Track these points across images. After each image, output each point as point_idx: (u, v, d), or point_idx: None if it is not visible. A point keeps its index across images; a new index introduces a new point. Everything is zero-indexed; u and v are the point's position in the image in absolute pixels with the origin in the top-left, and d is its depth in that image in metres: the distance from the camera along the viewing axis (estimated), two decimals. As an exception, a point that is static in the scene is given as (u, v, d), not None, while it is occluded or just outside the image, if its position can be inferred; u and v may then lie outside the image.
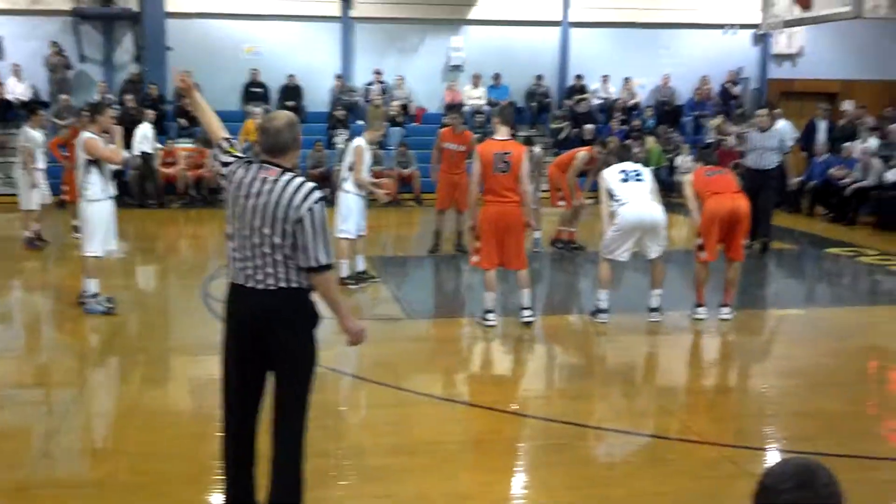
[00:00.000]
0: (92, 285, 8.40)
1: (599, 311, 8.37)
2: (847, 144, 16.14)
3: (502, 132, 8.21)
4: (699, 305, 8.58)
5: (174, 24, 19.68)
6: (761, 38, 21.96)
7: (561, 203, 12.05)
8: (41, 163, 11.98)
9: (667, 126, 20.00)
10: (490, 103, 20.07)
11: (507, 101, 20.10)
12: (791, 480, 2.04)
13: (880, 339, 8.37)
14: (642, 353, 7.97)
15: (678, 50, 21.77)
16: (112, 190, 8.48)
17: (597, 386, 6.91)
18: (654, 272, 8.43)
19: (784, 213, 16.59)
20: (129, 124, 15.74)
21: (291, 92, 19.89)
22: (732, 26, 21.74)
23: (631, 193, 8.22)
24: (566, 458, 5.33)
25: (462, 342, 8.25)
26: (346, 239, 9.66)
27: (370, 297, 9.66)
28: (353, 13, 20.64)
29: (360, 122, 19.28)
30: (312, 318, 4.04)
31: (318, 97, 20.19)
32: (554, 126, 20.31)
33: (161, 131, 18.35)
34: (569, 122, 20.10)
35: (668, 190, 19.04)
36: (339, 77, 20.22)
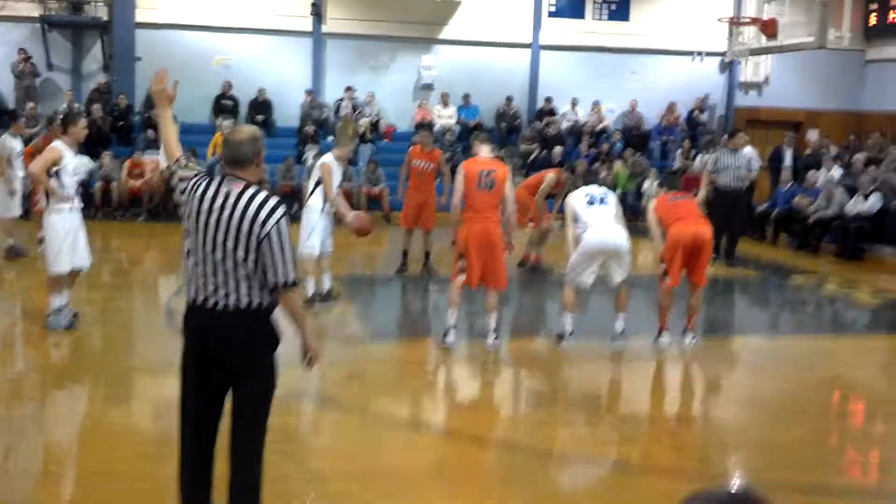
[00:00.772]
0: (54, 301, 8.26)
1: (564, 334, 8.39)
2: (811, 173, 16.36)
3: (484, 150, 8.25)
4: (663, 331, 8.63)
5: (144, 34, 19.53)
6: (728, 66, 22.26)
7: (529, 225, 12.09)
8: (20, 171, 11.77)
9: (634, 151, 20.17)
10: (460, 123, 20.16)
11: (477, 120, 20.24)
12: None
13: (843, 368, 8.46)
14: (606, 380, 8.00)
15: (646, 75, 22.01)
16: (77, 202, 8.31)
17: (561, 412, 6.91)
18: (619, 297, 8.47)
19: (749, 240, 16.78)
20: (95, 134, 15.61)
21: (261, 106, 19.82)
22: (699, 53, 22.03)
23: (596, 218, 8.25)
24: (529, 485, 5.32)
25: (428, 365, 8.21)
26: (311, 255, 9.56)
27: (336, 316, 9.60)
28: (325, 29, 20.64)
29: (331, 138, 19.24)
30: (273, 338, 3.99)
31: (288, 112, 20.11)
32: (523, 148, 20.39)
33: (128, 143, 18.21)
34: (538, 145, 20.20)
35: (636, 214, 19.21)
36: (309, 92, 20.18)
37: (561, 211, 10.59)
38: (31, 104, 17.99)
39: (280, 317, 4.01)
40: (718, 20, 20.53)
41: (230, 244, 3.83)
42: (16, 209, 11.78)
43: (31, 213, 12.48)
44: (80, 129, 8.28)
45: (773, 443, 6.27)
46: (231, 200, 3.85)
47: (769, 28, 19.71)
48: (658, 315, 8.63)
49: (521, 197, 12.07)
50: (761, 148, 17.82)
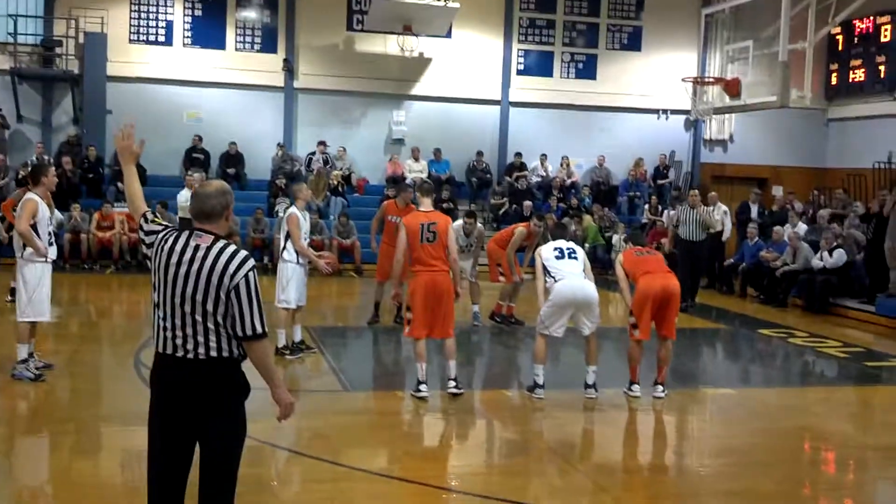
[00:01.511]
0: (22, 351, 8.15)
1: (536, 386, 8.41)
2: (777, 228, 16.64)
3: (426, 203, 8.40)
4: (633, 383, 8.67)
5: (115, 87, 19.59)
6: (693, 124, 22.71)
7: (501, 279, 12.15)
8: None
9: (602, 205, 20.42)
10: (431, 177, 20.32)
11: (447, 175, 20.43)
12: None
13: (811, 419, 8.52)
14: (578, 430, 7.99)
15: (613, 132, 22.41)
16: (52, 253, 8.27)
17: (533, 462, 6.89)
18: (589, 348, 8.52)
19: (717, 293, 17.00)
20: (65, 186, 15.55)
21: (232, 159, 19.87)
22: (665, 112, 22.48)
23: (565, 270, 8.35)
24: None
25: (400, 416, 8.16)
26: (286, 309, 9.56)
27: (308, 368, 9.54)
28: (297, 84, 20.84)
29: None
30: (242, 389, 3.98)
31: (259, 165, 20.20)
32: (494, 202, 20.58)
33: (97, 195, 18.14)
34: (508, 199, 20.40)
35: (605, 267, 19.40)
36: (280, 146, 20.27)
37: (532, 264, 10.69)
38: (0, 156, 17.90)
39: (249, 367, 3.99)
40: (683, 80, 20.99)
41: (199, 297, 3.84)
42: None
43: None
44: (52, 177, 8.32)
45: (747, 492, 6.29)
46: (200, 254, 3.87)
47: (732, 88, 20.16)
48: (629, 368, 8.68)
49: (492, 250, 12.17)
50: (727, 203, 18.18)
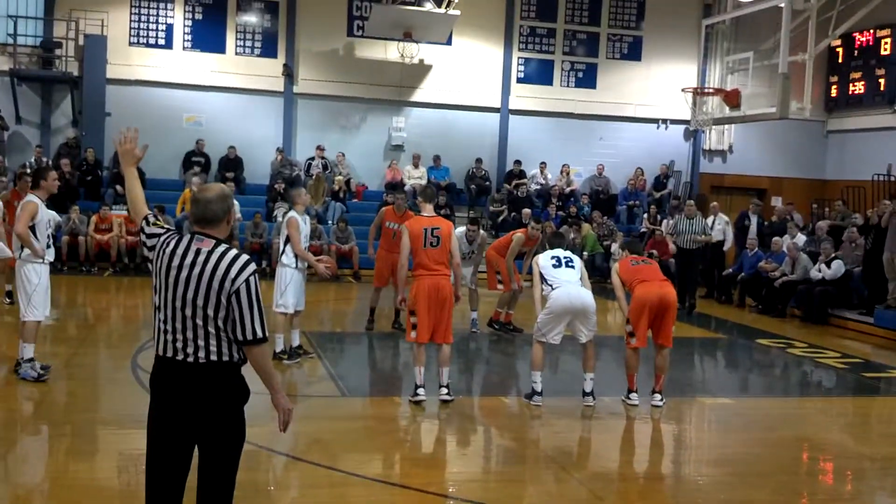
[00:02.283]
0: (28, 350, 8.18)
1: (534, 393, 8.39)
2: (776, 239, 16.65)
3: (427, 209, 8.40)
4: (631, 391, 8.66)
5: (114, 90, 19.58)
6: (692, 134, 22.74)
7: (499, 286, 12.14)
8: None
9: (602, 214, 20.43)
10: (431, 183, 20.31)
11: (447, 181, 20.43)
12: None
13: (809, 430, 8.51)
14: (576, 438, 7.97)
15: (613, 141, 22.43)
16: (50, 255, 8.30)
17: (530, 469, 6.87)
18: (586, 356, 8.51)
19: (716, 303, 16.99)
20: (63, 188, 15.52)
21: (231, 163, 19.86)
22: (664, 122, 22.51)
23: (563, 278, 8.37)
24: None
25: (397, 422, 8.13)
26: (284, 314, 9.54)
27: (306, 373, 9.51)
28: (297, 89, 20.86)
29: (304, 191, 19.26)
30: (241, 393, 3.97)
31: (258, 169, 20.18)
32: (493, 209, 20.58)
33: (96, 197, 18.12)
34: (507, 206, 20.39)
35: (604, 276, 19.38)
36: (279, 150, 20.27)
37: (531, 272, 10.68)
38: (-2, 157, 17.89)
39: (248, 371, 3.97)
40: (683, 90, 21.03)
41: (200, 301, 3.83)
42: (7, 252, 11.61)
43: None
44: (52, 181, 8.35)
45: (744, 503, 6.26)
46: (201, 258, 3.86)
47: (732, 99, 20.21)
48: (626, 376, 8.67)
49: (492, 258, 12.16)
50: (726, 213, 18.19)
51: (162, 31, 20.17)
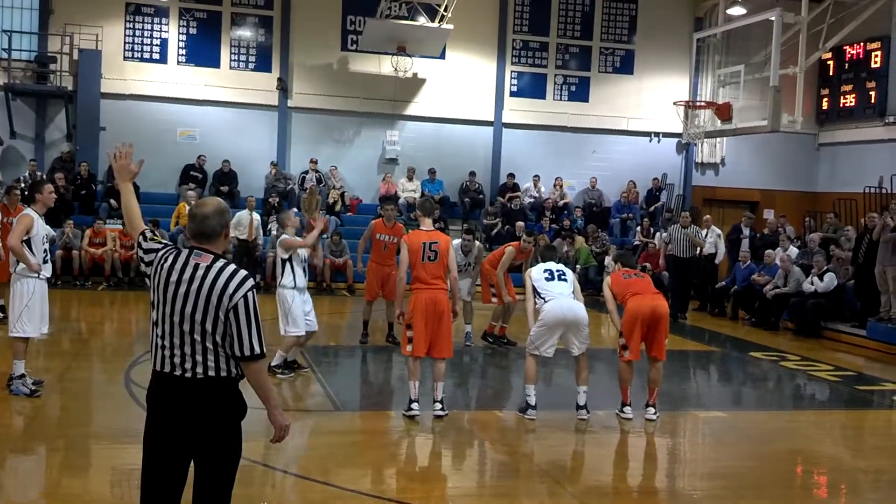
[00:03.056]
0: (18, 367, 8.14)
1: (528, 406, 8.40)
2: (769, 252, 16.71)
3: (426, 223, 8.39)
4: (625, 405, 8.68)
5: (109, 104, 19.62)
6: (685, 147, 22.83)
7: (494, 300, 12.16)
8: None
9: (595, 226, 20.48)
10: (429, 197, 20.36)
11: (441, 195, 20.47)
12: None
13: (802, 443, 8.52)
14: (570, 452, 7.97)
15: (606, 154, 22.52)
16: (46, 271, 8.25)
17: (523, 483, 6.87)
18: (579, 369, 8.54)
19: (708, 315, 17.03)
20: (58, 202, 15.46)
21: (226, 177, 19.88)
22: (657, 135, 22.61)
23: (555, 291, 8.41)
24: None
25: (391, 436, 8.14)
26: (297, 336, 9.47)
27: (300, 387, 9.50)
28: (291, 103, 20.91)
29: (295, 210, 19.29)
30: (239, 408, 3.96)
31: (252, 183, 20.20)
32: (487, 222, 20.62)
33: (90, 212, 18.11)
34: (501, 219, 20.44)
35: (598, 289, 19.39)
36: (273, 164, 20.29)
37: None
38: (-8, 171, 17.89)
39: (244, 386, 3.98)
40: (674, 103, 21.13)
41: (198, 316, 3.83)
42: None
43: None
44: (48, 194, 8.29)
45: (737, 515, 6.28)
46: (200, 273, 3.87)
47: (723, 112, 20.30)
48: (620, 389, 8.70)
49: (486, 271, 12.18)
50: (718, 226, 18.27)
51: (156, 45, 20.23)
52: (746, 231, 18.26)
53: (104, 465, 6.79)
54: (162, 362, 3.92)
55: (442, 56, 21.24)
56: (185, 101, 20.29)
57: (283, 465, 6.72)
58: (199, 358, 3.84)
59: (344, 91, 21.07)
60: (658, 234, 19.03)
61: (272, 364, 9.47)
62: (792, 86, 18.65)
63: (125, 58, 20.04)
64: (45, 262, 8.18)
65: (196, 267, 3.88)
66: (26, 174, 18.33)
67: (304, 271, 9.52)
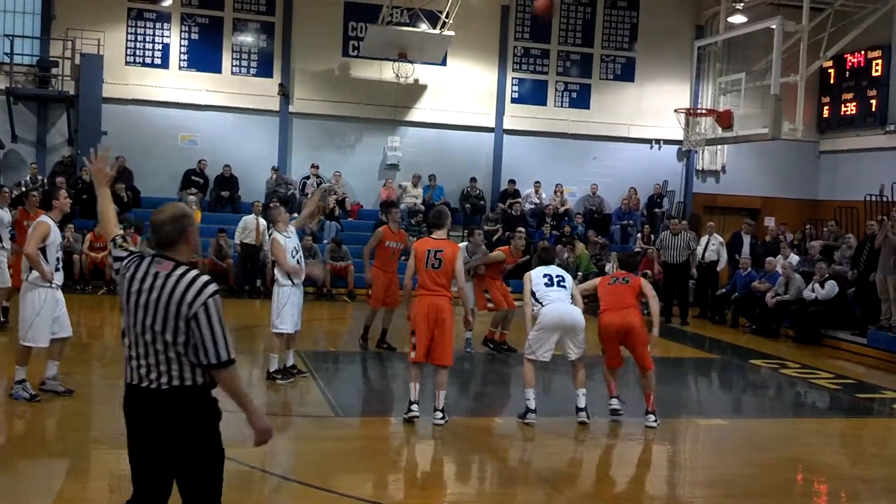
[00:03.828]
0: (21, 372, 8.15)
1: (528, 411, 8.40)
2: (770, 259, 16.70)
3: (438, 233, 8.39)
4: (612, 397, 8.79)
5: (110, 108, 19.62)
6: (685, 155, 22.84)
7: (489, 305, 12.16)
8: (6, 242, 11.65)
9: (597, 233, 20.48)
10: (425, 203, 20.39)
11: (442, 201, 20.47)
12: None
13: (803, 451, 8.51)
14: (569, 458, 7.97)
15: (606, 161, 22.52)
16: (59, 279, 8.23)
17: (522, 490, 6.85)
18: (576, 373, 8.58)
19: (709, 323, 17.03)
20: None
21: (227, 182, 19.90)
22: (657, 142, 22.62)
23: (553, 296, 8.45)
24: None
25: (390, 442, 8.13)
26: (281, 334, 9.51)
27: (299, 392, 9.49)
28: (292, 109, 20.92)
29: (296, 215, 19.31)
30: (212, 416, 3.88)
31: (254, 188, 20.20)
32: (487, 228, 20.59)
33: (91, 216, 18.09)
34: (502, 225, 20.43)
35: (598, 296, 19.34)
36: (275, 169, 20.31)
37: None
38: (-7, 175, 17.89)
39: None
40: (675, 111, 21.14)
41: (158, 326, 3.76)
42: (6, 280, 11.59)
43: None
44: (64, 200, 8.33)
45: (737, 523, 6.27)
46: (159, 282, 3.80)
47: (724, 119, 20.31)
48: (606, 388, 8.80)
49: (479, 278, 12.20)
50: (719, 233, 18.27)
51: (158, 50, 20.26)
52: (747, 238, 18.27)
53: (104, 469, 6.78)
54: (131, 374, 3.85)
55: (443, 62, 21.26)
56: (187, 106, 20.30)
57: (280, 471, 6.71)
58: (163, 368, 3.77)
59: (345, 97, 21.09)
60: (658, 240, 19.07)
61: (270, 370, 9.48)
62: (793, 94, 18.67)
63: (127, 62, 20.06)
64: (56, 269, 8.15)
65: (156, 276, 3.82)
66: (27, 178, 18.35)
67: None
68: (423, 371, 8.28)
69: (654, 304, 9.05)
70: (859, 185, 20.24)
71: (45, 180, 18.40)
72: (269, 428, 4.03)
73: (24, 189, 17.32)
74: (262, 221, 17.86)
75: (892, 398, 11.14)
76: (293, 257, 9.46)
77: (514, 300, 11.97)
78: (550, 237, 19.74)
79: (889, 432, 9.88)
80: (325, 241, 18.86)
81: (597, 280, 9.21)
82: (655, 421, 8.60)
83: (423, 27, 19.98)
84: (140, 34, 20.18)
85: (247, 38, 20.77)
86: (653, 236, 20.16)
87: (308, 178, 20.30)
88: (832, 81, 22.08)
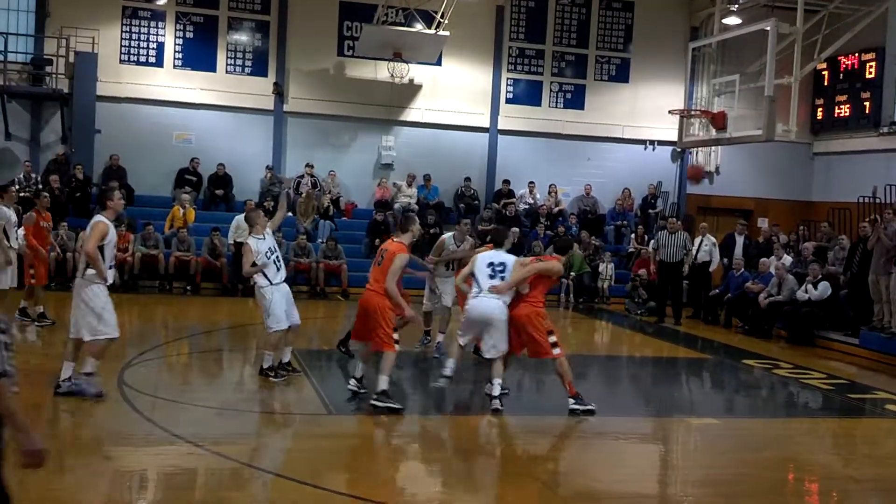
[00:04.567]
0: (90, 365, 8.33)
1: (443, 377, 8.80)
2: (763, 260, 16.74)
3: (401, 237, 8.82)
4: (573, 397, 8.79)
5: (104, 107, 19.61)
6: (679, 155, 22.87)
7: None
8: (14, 242, 11.67)
9: (590, 234, 20.51)
10: (420, 202, 20.39)
11: (436, 200, 20.49)
12: None
13: (795, 450, 8.53)
14: (561, 458, 7.99)
15: (601, 162, 22.56)
16: (111, 277, 8.43)
17: (514, 489, 6.83)
18: (493, 365, 8.71)
19: (702, 323, 17.05)
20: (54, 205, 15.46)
21: (221, 180, 19.88)
22: (651, 143, 22.65)
23: (485, 288, 8.68)
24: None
25: (384, 440, 8.13)
26: (278, 331, 9.52)
27: (292, 390, 9.48)
28: (287, 108, 20.91)
29: (290, 214, 19.33)
30: None
31: (247, 187, 20.20)
32: (481, 228, 20.60)
33: (85, 214, 18.07)
34: (496, 225, 20.41)
35: (591, 296, 19.45)
36: (269, 168, 20.29)
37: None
38: (-14, 173, 17.85)
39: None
40: (669, 112, 21.15)
41: None
42: (8, 281, 11.59)
43: (24, 284, 12.44)
44: (118, 201, 8.53)
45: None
46: None
47: (718, 121, 20.28)
48: (566, 384, 8.79)
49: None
50: (712, 234, 18.31)
51: (153, 49, 20.23)
52: (740, 239, 18.30)
53: (95, 469, 6.76)
54: None
55: (438, 62, 21.28)
56: (181, 105, 20.27)
57: (273, 468, 6.71)
58: None
59: (340, 96, 21.08)
60: (652, 241, 19.09)
61: (263, 367, 9.48)
62: (787, 96, 18.67)
63: (121, 61, 20.03)
64: (110, 267, 8.39)
65: None
66: (21, 176, 18.32)
67: (277, 267, 9.53)
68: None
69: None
70: (852, 186, 20.30)
71: (39, 178, 18.38)
72: (42, 449, 3.55)
73: (27, 187, 17.33)
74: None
75: (883, 398, 11.16)
76: (269, 258, 9.47)
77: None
78: (544, 237, 19.76)
79: (880, 432, 9.90)
80: (320, 241, 18.86)
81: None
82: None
83: (419, 27, 19.99)
84: (135, 33, 20.15)
85: (242, 37, 20.76)
86: (646, 236, 20.21)
87: (302, 176, 20.28)
88: (826, 83, 22.14)
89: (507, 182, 21.46)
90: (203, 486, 6.37)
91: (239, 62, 20.75)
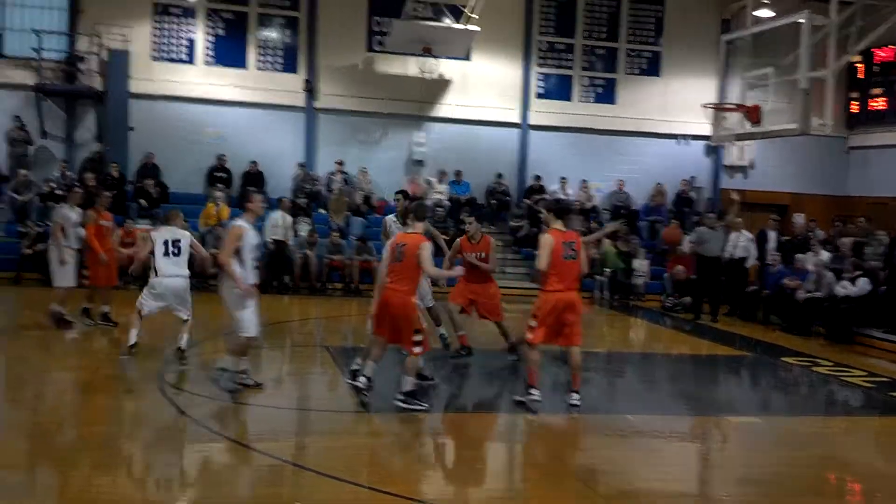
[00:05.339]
0: (236, 362, 8.61)
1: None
2: (800, 256, 16.50)
3: (415, 227, 8.54)
4: (532, 387, 8.69)
5: (138, 104, 19.74)
6: (713, 150, 22.65)
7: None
8: (74, 242, 11.80)
9: (626, 228, 20.36)
10: (451, 199, 20.36)
11: (468, 196, 20.42)
12: None
13: (836, 449, 8.41)
14: (602, 456, 7.87)
15: (633, 156, 22.38)
16: (252, 278, 8.61)
17: (552, 487, 6.78)
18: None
19: (739, 320, 16.87)
20: (88, 203, 15.56)
21: (253, 178, 19.95)
22: (684, 137, 22.45)
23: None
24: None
25: (421, 438, 8.11)
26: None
27: (328, 388, 9.49)
28: (318, 104, 20.94)
29: (322, 211, 19.40)
30: None
31: (280, 184, 20.25)
32: (513, 224, 20.56)
33: (121, 211, 18.20)
34: (527, 221, 20.36)
35: (625, 294, 19.27)
36: (301, 165, 20.34)
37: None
38: (23, 171, 18.04)
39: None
40: (703, 106, 20.95)
41: None
42: (70, 279, 11.70)
43: (85, 284, 12.58)
44: (258, 204, 8.60)
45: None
46: None
47: (753, 114, 20.07)
48: (530, 374, 8.73)
49: None
50: (747, 229, 18.09)
51: (184, 46, 20.34)
52: (772, 234, 18.08)
53: (134, 464, 6.79)
54: None
55: (467, 57, 21.23)
56: (213, 102, 20.36)
57: (313, 466, 6.70)
58: None
59: (370, 92, 21.08)
60: (686, 238, 18.94)
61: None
62: (821, 89, 18.44)
63: (153, 58, 20.15)
64: (256, 268, 8.61)
65: None
66: (58, 174, 18.50)
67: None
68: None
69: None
70: (890, 181, 20.01)
71: (74, 176, 18.54)
72: None
73: (63, 186, 17.46)
74: (289, 218, 17.90)
75: (926, 396, 10.98)
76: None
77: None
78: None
79: (924, 431, 9.74)
80: (352, 237, 18.87)
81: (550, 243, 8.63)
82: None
83: (448, 22, 19.91)
84: (166, 30, 20.27)
85: (271, 34, 20.81)
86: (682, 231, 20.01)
87: (334, 173, 20.30)
88: (861, 76, 21.83)
89: (538, 178, 21.37)
90: (244, 483, 6.38)
91: (269, 59, 20.81)
